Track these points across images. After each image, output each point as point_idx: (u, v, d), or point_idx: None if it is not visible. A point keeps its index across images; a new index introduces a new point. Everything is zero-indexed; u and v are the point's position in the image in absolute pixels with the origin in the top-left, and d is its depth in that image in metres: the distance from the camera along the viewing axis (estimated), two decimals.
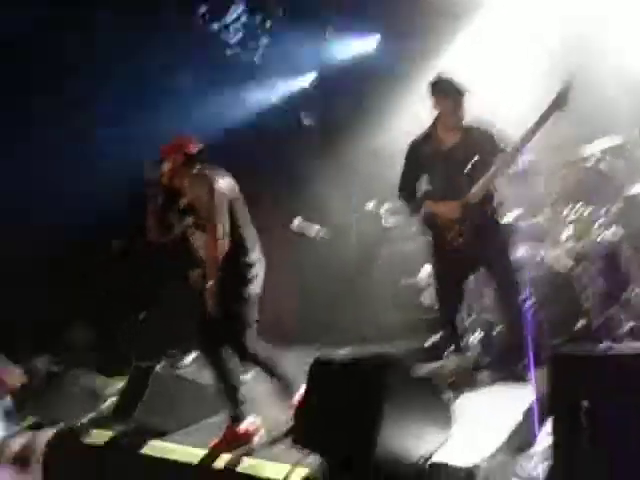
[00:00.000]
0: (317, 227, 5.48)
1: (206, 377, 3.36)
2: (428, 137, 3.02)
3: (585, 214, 3.57)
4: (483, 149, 2.86)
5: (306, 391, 2.65)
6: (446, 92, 2.89)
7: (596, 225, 3.53)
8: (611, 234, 3.52)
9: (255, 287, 3.01)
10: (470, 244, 2.87)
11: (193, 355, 4.64)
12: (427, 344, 4.35)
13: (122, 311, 5.67)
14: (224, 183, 2.99)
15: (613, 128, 3.81)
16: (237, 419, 3.00)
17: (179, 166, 3.04)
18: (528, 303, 2.98)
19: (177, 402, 3.46)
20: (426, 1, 4.64)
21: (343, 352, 4.78)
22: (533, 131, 2.72)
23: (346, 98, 5.72)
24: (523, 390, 2.68)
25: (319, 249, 5.55)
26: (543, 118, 2.69)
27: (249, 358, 3.05)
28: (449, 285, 3.08)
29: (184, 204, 3.09)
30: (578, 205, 3.62)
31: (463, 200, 2.86)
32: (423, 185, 3.14)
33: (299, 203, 5.79)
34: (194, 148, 3.09)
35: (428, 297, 4.48)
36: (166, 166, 3.05)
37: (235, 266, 2.94)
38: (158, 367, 3.63)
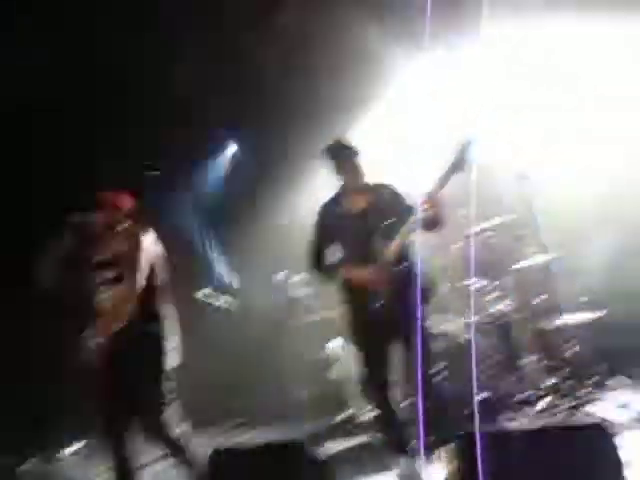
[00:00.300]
0: (224, 297, 5.31)
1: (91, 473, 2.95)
2: (336, 202, 2.99)
3: (479, 287, 3.76)
4: (393, 209, 2.83)
5: None
6: (341, 156, 2.90)
7: (489, 298, 3.72)
8: (503, 306, 3.74)
9: (171, 360, 2.85)
10: (391, 308, 2.75)
11: (79, 444, 4.09)
12: (337, 420, 4.25)
13: None
14: (151, 242, 2.92)
15: (503, 206, 4.14)
16: None
17: (113, 220, 2.93)
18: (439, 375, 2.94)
19: None
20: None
21: (248, 436, 4.52)
22: (434, 193, 2.72)
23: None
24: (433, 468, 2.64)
25: (226, 322, 5.34)
26: (443, 180, 2.70)
27: (161, 439, 2.76)
28: (374, 354, 2.89)
29: (102, 259, 2.91)
30: (473, 279, 3.80)
31: (378, 263, 2.79)
32: (335, 252, 3.04)
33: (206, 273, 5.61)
34: (129, 204, 3.01)
35: (339, 371, 4.42)
36: (101, 217, 2.92)
37: (146, 334, 2.80)
38: (28, 464, 3.13)
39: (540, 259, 3.78)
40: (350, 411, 4.14)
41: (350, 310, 2.93)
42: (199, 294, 5.19)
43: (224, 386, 5.33)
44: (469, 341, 3.42)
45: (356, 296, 2.86)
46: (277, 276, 5.89)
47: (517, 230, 4.03)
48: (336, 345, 4.41)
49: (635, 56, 4.30)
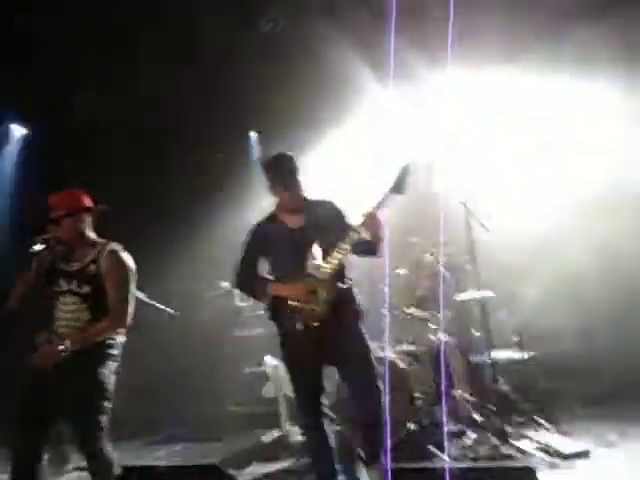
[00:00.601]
0: (162, 307, 5.10)
1: None
2: (272, 219, 2.86)
3: (419, 316, 3.81)
4: (331, 227, 2.73)
5: None
6: (283, 170, 2.78)
7: (431, 328, 3.78)
8: (442, 337, 3.80)
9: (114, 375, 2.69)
10: (324, 329, 2.61)
11: None
12: (265, 440, 4.15)
13: None
14: (129, 258, 2.74)
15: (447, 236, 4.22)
16: None
17: (79, 224, 2.72)
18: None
19: None
20: None
21: (172, 450, 4.34)
22: (373, 213, 2.64)
23: None
24: None
25: (163, 331, 5.13)
26: (381, 202, 2.65)
27: (97, 458, 2.54)
28: (305, 376, 2.75)
29: (70, 268, 2.69)
30: (412, 309, 3.85)
31: (311, 279, 2.65)
32: (265, 269, 2.91)
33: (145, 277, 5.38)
34: (90, 203, 2.81)
35: (271, 390, 4.33)
36: (68, 222, 2.69)
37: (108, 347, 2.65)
38: None
39: (477, 294, 3.89)
40: (279, 432, 4.05)
41: (280, 328, 2.79)
42: (141, 294, 4.96)
43: (152, 395, 5.12)
44: (408, 368, 3.43)
45: (286, 314, 2.71)
46: (222, 284, 5.77)
47: (458, 262, 4.14)
48: (271, 362, 4.32)
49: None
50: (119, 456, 2.63)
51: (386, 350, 3.44)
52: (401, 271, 4.36)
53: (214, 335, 5.48)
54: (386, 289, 4.07)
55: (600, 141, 4.64)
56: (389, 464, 2.41)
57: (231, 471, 2.90)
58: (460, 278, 4.03)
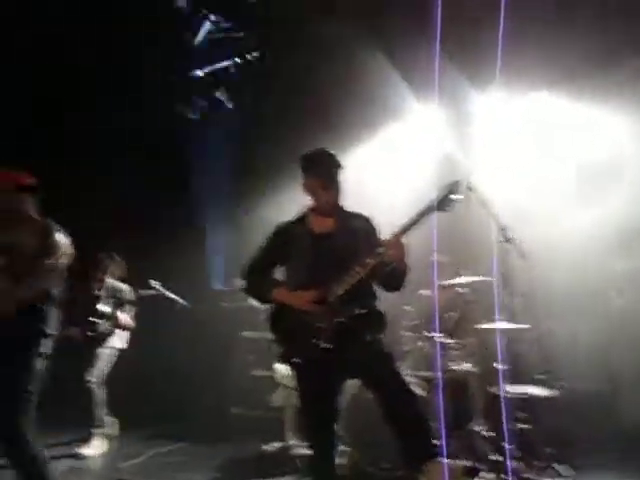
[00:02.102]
0: (174, 297, 5.01)
1: None
2: (298, 222, 2.64)
3: (442, 343, 3.62)
4: (361, 240, 2.51)
5: None
6: (324, 166, 2.54)
7: (452, 355, 3.59)
8: (463, 367, 3.61)
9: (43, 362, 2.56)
10: (339, 345, 2.38)
11: None
12: (267, 449, 4.01)
13: None
14: (64, 239, 2.65)
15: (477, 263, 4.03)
16: None
17: (12, 199, 2.65)
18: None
19: None
20: None
21: (171, 448, 4.23)
22: (405, 229, 2.41)
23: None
24: None
25: (174, 324, 5.05)
26: (418, 217, 2.41)
27: (15, 448, 2.39)
28: (312, 393, 2.50)
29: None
30: (435, 333, 3.66)
31: (328, 288, 2.43)
32: (279, 274, 2.68)
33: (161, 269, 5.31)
34: (28, 180, 2.73)
35: (279, 398, 4.18)
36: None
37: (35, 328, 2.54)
38: None
39: (506, 325, 3.69)
40: (282, 444, 3.90)
41: (286, 340, 2.54)
42: (152, 282, 4.88)
43: (156, 389, 5.04)
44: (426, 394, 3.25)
45: (295, 325, 2.48)
46: (238, 280, 5.65)
47: (489, 290, 3.94)
48: (282, 370, 4.17)
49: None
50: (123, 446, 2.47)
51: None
52: (424, 292, 4.18)
53: (223, 333, 5.37)
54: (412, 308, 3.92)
55: None
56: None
57: None
58: (489, 305, 3.82)
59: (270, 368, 4.74)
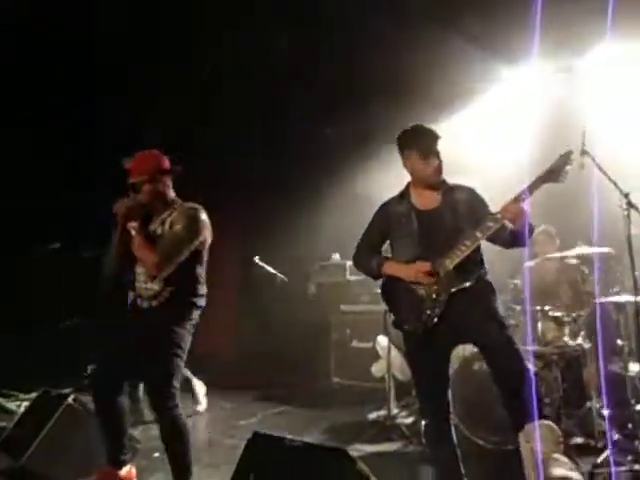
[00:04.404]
0: (274, 271, 5.22)
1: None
2: (402, 198, 2.65)
3: (555, 316, 3.47)
4: (469, 213, 2.51)
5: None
6: (417, 146, 2.53)
7: (566, 330, 3.43)
8: (577, 343, 3.45)
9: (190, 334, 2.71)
10: (448, 319, 2.43)
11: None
12: (370, 417, 4.13)
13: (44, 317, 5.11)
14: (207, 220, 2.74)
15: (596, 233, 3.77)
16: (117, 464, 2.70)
17: (158, 190, 2.74)
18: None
19: (83, 447, 2.92)
20: None
21: (275, 410, 4.49)
22: (517, 199, 2.38)
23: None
24: None
25: (278, 294, 5.28)
26: (532, 186, 2.38)
27: (166, 412, 2.56)
28: (427, 372, 2.55)
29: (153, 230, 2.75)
30: (547, 307, 3.51)
31: (438, 262, 2.45)
32: (388, 251, 2.72)
33: (264, 241, 5.54)
34: (167, 162, 2.80)
35: (381, 369, 4.27)
36: (145, 188, 2.72)
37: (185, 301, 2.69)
38: (71, 397, 3.07)
39: (623, 299, 3.46)
40: (385, 412, 3.99)
41: (398, 310, 2.59)
42: (256, 258, 5.13)
43: (265, 356, 5.32)
44: (538, 371, 3.15)
45: (403, 300, 2.54)
46: (335, 255, 5.78)
47: (605, 263, 3.71)
48: (384, 341, 4.23)
49: None
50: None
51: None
52: (531, 263, 4.03)
53: (320, 305, 5.53)
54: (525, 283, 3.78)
55: None
56: None
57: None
58: (610, 278, 3.60)
59: (368, 340, 4.85)
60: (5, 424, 3.54)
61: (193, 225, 2.64)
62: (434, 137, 2.57)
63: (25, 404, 3.80)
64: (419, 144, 2.55)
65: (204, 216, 2.70)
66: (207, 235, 2.71)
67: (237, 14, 4.43)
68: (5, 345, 4.71)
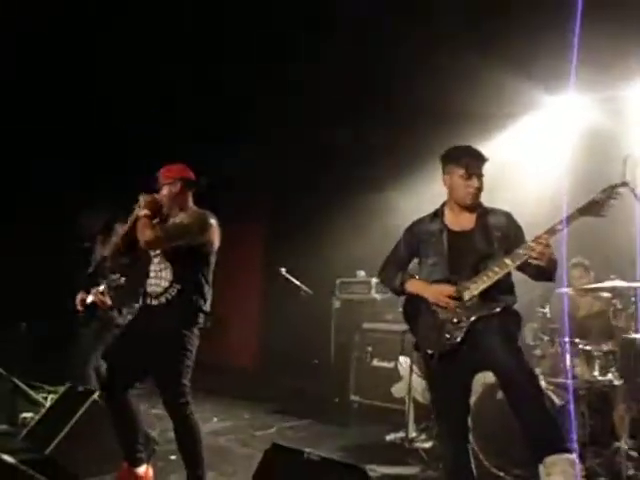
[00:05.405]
0: (299, 283, 5.23)
1: None
2: (435, 216, 2.63)
3: (585, 350, 3.38)
4: (503, 239, 2.48)
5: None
6: (463, 163, 2.51)
7: (596, 365, 3.34)
8: (608, 379, 3.34)
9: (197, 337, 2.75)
10: (467, 345, 2.38)
11: None
12: (388, 438, 4.06)
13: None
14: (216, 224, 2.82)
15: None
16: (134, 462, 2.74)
17: (177, 193, 2.84)
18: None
19: (106, 444, 2.95)
20: None
21: (290, 424, 4.46)
22: (553, 231, 2.34)
23: None
24: None
25: (302, 307, 5.28)
26: (569, 219, 2.33)
27: (176, 409, 2.63)
28: (445, 397, 2.51)
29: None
30: (577, 339, 3.42)
31: (463, 286, 2.41)
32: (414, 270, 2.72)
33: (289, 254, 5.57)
34: (192, 175, 2.91)
35: (401, 390, 4.21)
36: (165, 190, 2.83)
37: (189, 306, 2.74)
38: (97, 394, 3.13)
39: None
40: (403, 435, 3.92)
41: (418, 331, 2.55)
42: (282, 269, 5.16)
43: (285, 369, 5.31)
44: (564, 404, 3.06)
45: (428, 318, 2.50)
46: (360, 272, 5.76)
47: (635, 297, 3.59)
48: (406, 362, 4.18)
49: None
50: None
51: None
52: (563, 290, 3.93)
53: (344, 322, 5.50)
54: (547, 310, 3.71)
55: None
56: None
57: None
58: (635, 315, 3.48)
59: (389, 360, 4.80)
60: (32, 414, 3.65)
61: (200, 222, 2.73)
62: (482, 159, 2.57)
63: (51, 396, 3.90)
64: (467, 162, 2.54)
65: (213, 220, 2.77)
66: (215, 239, 2.78)
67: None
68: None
